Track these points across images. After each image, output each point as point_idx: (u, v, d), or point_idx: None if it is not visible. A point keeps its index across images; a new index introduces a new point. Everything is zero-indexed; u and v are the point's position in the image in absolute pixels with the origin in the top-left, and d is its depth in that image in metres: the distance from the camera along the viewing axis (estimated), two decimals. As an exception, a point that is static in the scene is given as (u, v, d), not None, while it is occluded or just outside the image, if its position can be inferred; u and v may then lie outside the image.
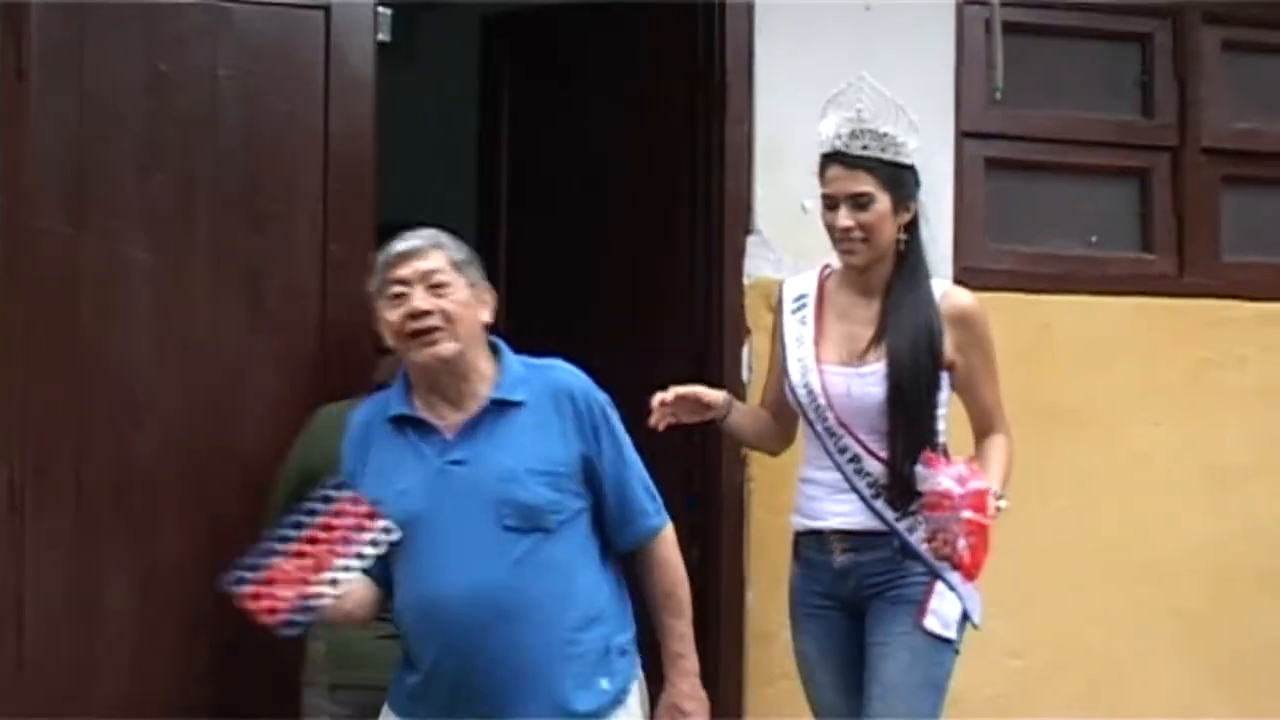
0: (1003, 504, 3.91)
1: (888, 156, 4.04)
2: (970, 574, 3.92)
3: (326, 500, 3.43)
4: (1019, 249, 5.31)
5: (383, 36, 4.78)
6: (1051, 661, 5.15)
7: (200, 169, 4.67)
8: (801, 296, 4.24)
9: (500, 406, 3.53)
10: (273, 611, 3.30)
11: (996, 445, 4.13)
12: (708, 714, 3.64)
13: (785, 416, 4.25)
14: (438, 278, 3.53)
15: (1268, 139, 5.46)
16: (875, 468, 4.02)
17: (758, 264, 4.99)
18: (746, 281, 4.98)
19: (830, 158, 4.08)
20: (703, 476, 5.08)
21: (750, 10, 5.02)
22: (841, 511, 4.08)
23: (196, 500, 4.62)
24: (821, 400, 4.06)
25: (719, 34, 5.05)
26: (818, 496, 4.11)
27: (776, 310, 4.29)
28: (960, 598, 4.02)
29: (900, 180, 4.06)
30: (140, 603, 4.54)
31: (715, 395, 4.22)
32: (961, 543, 3.86)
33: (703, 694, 3.63)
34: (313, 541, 3.38)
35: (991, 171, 5.26)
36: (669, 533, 3.66)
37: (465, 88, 6.24)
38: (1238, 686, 5.34)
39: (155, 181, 4.65)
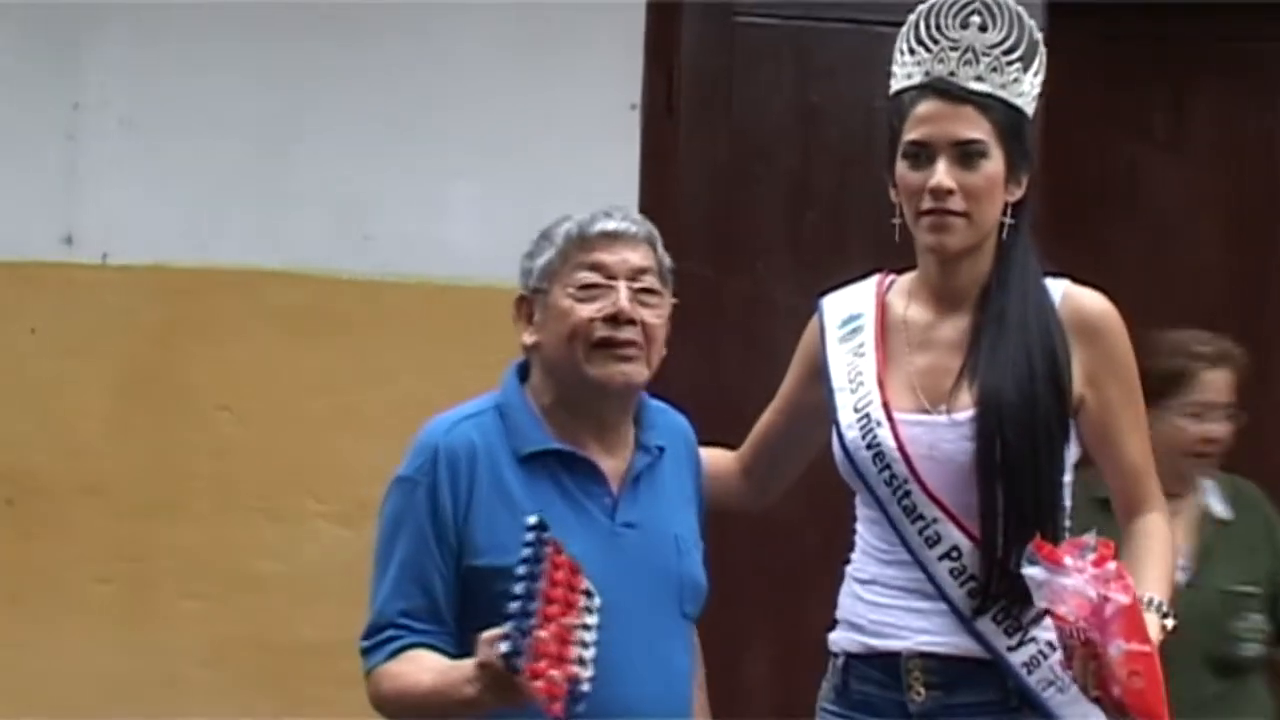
0: (1169, 623, 2.86)
1: (1009, 96, 2.93)
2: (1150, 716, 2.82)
3: (540, 544, 2.80)
4: None
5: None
6: None
7: (854, 207, 4.66)
8: (853, 318, 3.14)
9: (650, 454, 2.95)
10: (552, 696, 2.75)
11: (1153, 533, 3.00)
12: None
13: (764, 469, 3.25)
14: (648, 280, 2.86)
15: None
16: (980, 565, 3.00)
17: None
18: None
19: (924, 90, 3.00)
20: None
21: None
22: (926, 628, 2.98)
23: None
24: (899, 466, 2.96)
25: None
26: (886, 604, 3.02)
27: (818, 338, 3.17)
28: None
29: (1020, 133, 2.95)
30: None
31: None
32: (1117, 690, 2.77)
33: None
34: (547, 601, 2.79)
35: None
36: None
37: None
38: None
39: (806, 221, 4.76)
